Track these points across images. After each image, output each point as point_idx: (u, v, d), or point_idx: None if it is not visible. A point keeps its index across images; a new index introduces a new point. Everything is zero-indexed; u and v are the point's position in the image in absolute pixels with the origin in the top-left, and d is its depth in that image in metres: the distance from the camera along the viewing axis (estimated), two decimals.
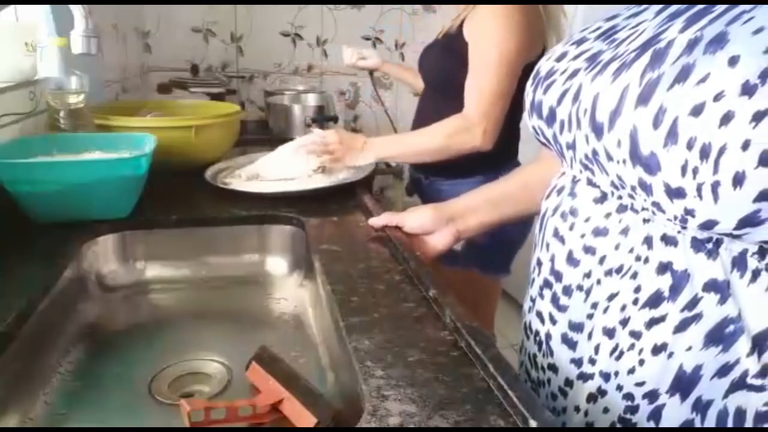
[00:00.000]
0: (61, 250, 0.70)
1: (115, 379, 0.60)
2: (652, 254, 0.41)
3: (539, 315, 0.51)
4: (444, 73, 1.10)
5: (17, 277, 0.62)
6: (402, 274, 0.65)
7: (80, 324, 0.69)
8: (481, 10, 0.99)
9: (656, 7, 0.45)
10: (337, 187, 0.95)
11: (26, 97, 0.87)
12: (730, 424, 0.40)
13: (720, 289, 0.39)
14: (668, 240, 0.41)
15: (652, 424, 0.43)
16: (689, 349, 0.40)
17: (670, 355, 0.41)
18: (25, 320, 0.56)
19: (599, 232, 0.45)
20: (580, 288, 0.46)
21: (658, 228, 0.41)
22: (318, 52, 2.13)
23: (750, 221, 0.35)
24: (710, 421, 0.41)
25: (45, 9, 0.96)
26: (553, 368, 0.50)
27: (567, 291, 0.47)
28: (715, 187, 0.34)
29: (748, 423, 0.40)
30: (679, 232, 0.40)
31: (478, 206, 0.73)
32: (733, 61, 0.34)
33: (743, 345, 0.38)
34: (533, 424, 0.38)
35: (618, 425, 0.45)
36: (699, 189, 0.35)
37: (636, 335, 0.42)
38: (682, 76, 0.36)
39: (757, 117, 0.32)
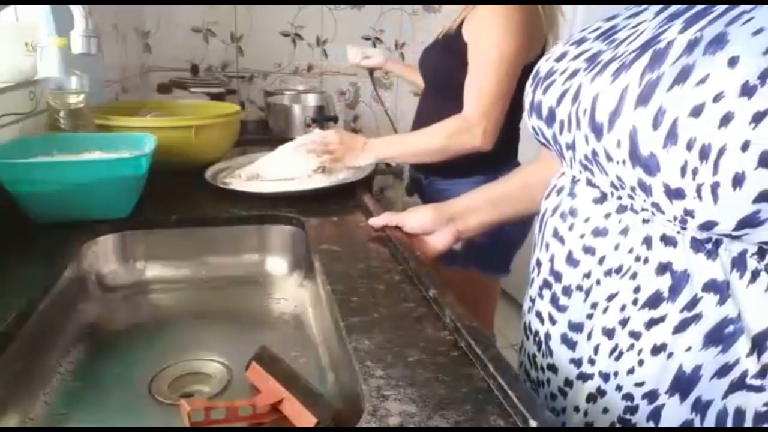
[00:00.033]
0: (61, 250, 0.70)
1: (115, 379, 0.60)
2: (652, 254, 0.41)
3: (539, 315, 0.51)
4: (444, 73, 1.10)
5: (17, 277, 0.62)
6: (402, 274, 0.65)
7: (80, 324, 0.69)
8: (481, 11, 0.99)
9: (656, 8, 0.45)
10: (337, 187, 0.95)
11: (26, 97, 0.87)
12: (729, 424, 0.40)
13: (719, 289, 0.39)
14: (668, 240, 0.41)
15: (651, 425, 0.43)
16: (689, 349, 0.40)
17: (670, 355, 0.41)
18: (25, 320, 0.56)
19: (599, 233, 0.45)
20: (579, 288, 0.46)
21: (658, 228, 0.41)
22: (318, 52, 2.13)
23: (749, 222, 0.35)
24: (710, 422, 0.41)
25: (45, 9, 0.96)
26: (552, 368, 0.50)
27: (566, 291, 0.47)
28: (714, 187, 0.34)
29: (748, 423, 0.40)
30: (678, 232, 0.40)
31: (478, 206, 0.73)
32: (732, 61, 0.34)
33: (743, 345, 0.38)
34: (533, 424, 0.38)
35: (617, 425, 0.45)
36: (698, 190, 0.35)
37: (635, 335, 0.42)
38: (682, 76, 0.36)
39: (757, 118, 0.32)
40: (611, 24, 0.48)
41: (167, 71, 1.94)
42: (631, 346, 0.42)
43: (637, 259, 0.42)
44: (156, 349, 0.66)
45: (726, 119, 0.33)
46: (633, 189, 0.41)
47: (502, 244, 1.12)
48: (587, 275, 0.45)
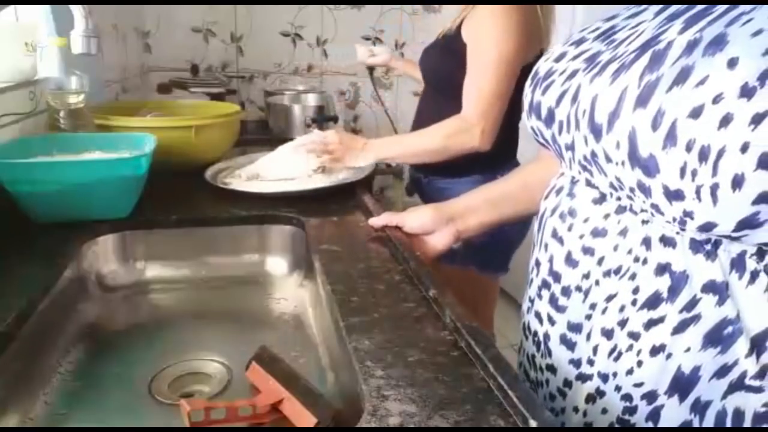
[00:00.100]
0: (61, 250, 0.70)
1: (115, 379, 0.60)
2: (651, 255, 0.41)
3: (538, 315, 0.51)
4: (443, 73, 1.11)
5: (17, 277, 0.62)
6: (402, 274, 0.65)
7: (80, 324, 0.69)
8: (480, 11, 1.00)
9: (655, 8, 0.45)
10: (337, 187, 0.95)
11: (26, 97, 0.87)
12: (728, 424, 0.40)
13: (719, 290, 0.39)
14: (667, 241, 0.41)
15: (650, 425, 0.43)
16: (688, 350, 0.40)
17: (669, 356, 0.41)
18: (25, 320, 0.56)
19: (598, 233, 0.45)
20: (578, 289, 0.46)
21: (657, 229, 0.41)
22: (318, 52, 2.13)
23: (749, 223, 0.35)
24: (709, 422, 0.41)
25: (45, 9, 0.96)
26: (551, 369, 0.50)
27: (565, 292, 0.47)
28: (714, 189, 0.34)
29: (747, 424, 0.40)
30: (677, 233, 0.40)
31: (478, 206, 0.73)
32: (732, 63, 0.34)
33: (742, 346, 0.38)
34: (533, 424, 0.39)
35: (616, 426, 0.45)
36: (698, 191, 0.35)
37: (634, 336, 0.42)
38: (681, 77, 0.36)
39: (756, 119, 0.32)
40: (611, 24, 0.48)
41: (167, 71, 1.94)
42: (630, 347, 0.42)
43: (636, 259, 0.42)
44: (156, 349, 0.66)
45: (725, 120, 0.33)
46: (632, 190, 0.41)
47: (500, 243, 1.12)
48: (586, 276, 0.45)
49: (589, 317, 0.45)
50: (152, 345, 0.68)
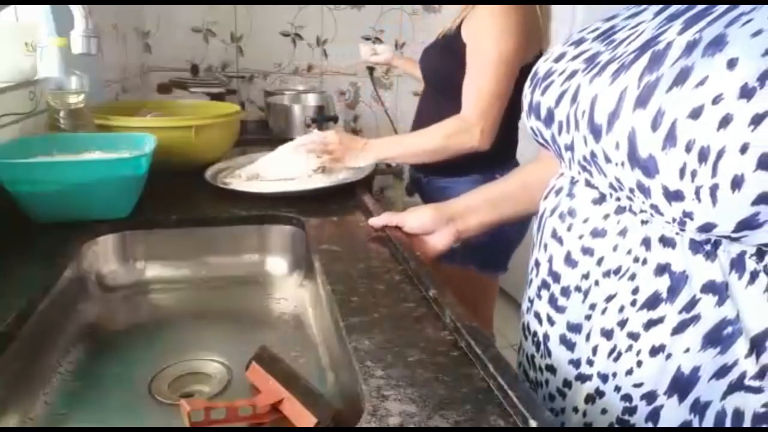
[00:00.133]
0: (61, 250, 0.70)
1: (115, 379, 0.60)
2: (651, 255, 0.41)
3: (537, 316, 0.51)
4: (443, 73, 1.11)
5: (17, 277, 0.62)
6: (402, 274, 0.65)
7: (80, 324, 0.69)
8: (480, 11, 1.00)
9: (655, 8, 0.45)
10: (337, 187, 0.95)
11: (26, 97, 0.88)
12: (728, 425, 0.40)
13: (718, 290, 0.39)
14: (666, 241, 0.41)
15: (650, 425, 0.43)
16: (687, 350, 0.40)
17: (668, 356, 0.41)
18: (25, 320, 0.56)
19: (597, 233, 0.45)
20: (578, 289, 0.46)
21: (657, 229, 0.41)
22: (318, 52, 2.13)
23: (748, 224, 0.35)
24: (708, 423, 0.41)
25: (45, 9, 0.97)
26: (551, 369, 0.50)
27: (565, 292, 0.47)
28: (713, 190, 0.34)
29: (746, 424, 0.40)
30: (677, 233, 0.40)
31: (478, 206, 0.73)
32: (731, 63, 0.34)
33: (741, 346, 0.38)
34: (533, 424, 0.39)
35: (616, 426, 0.45)
36: (697, 192, 0.35)
37: (634, 336, 0.42)
38: (681, 78, 0.36)
39: (756, 120, 0.32)
40: (610, 24, 0.48)
41: (167, 71, 1.94)
42: (630, 347, 0.42)
43: (636, 260, 0.42)
44: (156, 349, 0.66)
45: (725, 121, 0.33)
46: (632, 190, 0.41)
47: (500, 243, 1.12)
48: (586, 276, 0.45)
49: (588, 317, 0.45)
50: (152, 345, 0.68)
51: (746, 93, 0.33)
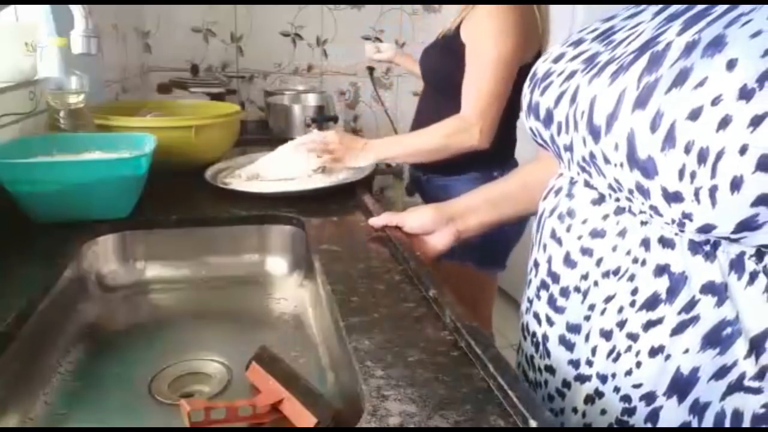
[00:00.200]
0: (61, 250, 0.70)
1: (115, 379, 0.60)
2: (650, 256, 0.41)
3: (536, 316, 0.51)
4: (442, 73, 1.12)
5: (17, 277, 0.62)
6: (402, 274, 0.65)
7: (80, 324, 0.69)
8: (479, 11, 1.01)
9: (654, 8, 0.45)
10: (337, 187, 0.95)
11: (26, 97, 0.88)
12: (727, 426, 0.40)
13: (717, 291, 0.39)
14: (666, 242, 0.41)
15: (649, 426, 0.43)
16: (686, 351, 0.40)
17: (668, 357, 0.41)
18: (25, 320, 0.56)
19: (597, 234, 0.45)
20: (577, 290, 0.46)
21: (656, 230, 0.41)
22: (318, 52, 2.13)
23: (748, 225, 0.35)
24: (708, 423, 0.41)
25: (45, 9, 0.97)
26: (550, 370, 0.50)
27: (564, 292, 0.47)
28: (712, 191, 0.34)
29: (746, 425, 0.40)
30: (676, 234, 0.40)
31: (478, 206, 0.74)
32: (731, 64, 0.34)
33: (741, 347, 0.38)
34: (533, 424, 0.39)
35: (615, 427, 0.45)
36: (697, 193, 0.35)
37: (633, 337, 0.42)
38: (680, 79, 0.36)
39: (755, 121, 0.32)
40: (609, 25, 0.48)
41: (167, 71, 1.94)
42: (629, 348, 0.43)
43: (635, 260, 0.42)
44: (156, 349, 0.66)
45: (724, 122, 0.33)
46: (631, 191, 0.41)
47: (498, 240, 1.13)
48: (585, 277, 0.46)
49: (587, 318, 0.46)
50: (152, 345, 0.68)
51: (745, 94, 0.33)
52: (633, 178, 0.39)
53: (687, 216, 0.37)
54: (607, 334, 0.44)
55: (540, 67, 0.51)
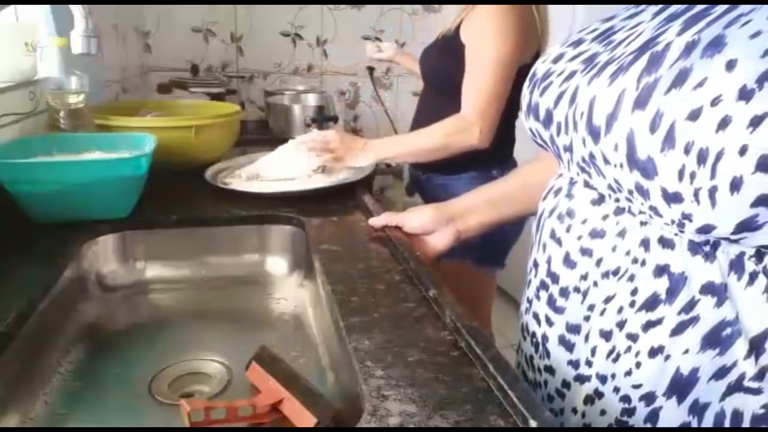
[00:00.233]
0: (61, 250, 0.70)
1: (115, 379, 0.60)
2: (649, 257, 0.41)
3: (536, 316, 0.51)
4: (442, 73, 1.13)
5: (17, 277, 0.62)
6: (402, 274, 0.65)
7: (80, 324, 0.69)
8: (478, 12, 1.02)
9: (654, 9, 0.45)
10: (337, 187, 0.95)
11: (26, 97, 0.88)
12: (727, 426, 0.40)
13: (717, 291, 0.39)
14: (665, 242, 0.41)
15: (649, 427, 0.43)
16: (686, 351, 0.40)
17: (667, 357, 0.41)
18: (25, 320, 0.56)
19: (596, 234, 0.45)
20: (576, 290, 0.46)
21: (656, 230, 0.41)
22: (318, 52, 2.13)
23: (747, 226, 0.35)
24: (707, 424, 0.41)
25: (45, 9, 0.97)
26: (550, 370, 0.50)
27: (564, 293, 0.48)
28: (712, 192, 0.34)
29: (745, 425, 0.40)
30: (676, 235, 0.40)
31: (478, 206, 0.74)
32: (730, 65, 0.34)
33: (740, 348, 0.38)
34: (533, 424, 0.39)
35: (615, 427, 0.45)
36: (696, 194, 0.35)
37: (633, 338, 0.42)
38: (680, 80, 0.36)
39: (755, 122, 0.32)
40: (609, 25, 0.48)
41: (167, 71, 1.94)
42: (629, 348, 0.43)
43: (635, 261, 0.42)
44: (156, 349, 0.66)
45: (724, 123, 0.33)
46: (630, 192, 0.41)
47: (497, 238, 1.13)
48: (584, 277, 0.46)
49: (587, 318, 0.46)
50: (152, 345, 0.68)
51: (745, 94, 0.33)
52: (632, 179, 0.39)
53: (687, 216, 0.37)
54: (606, 335, 0.44)
55: (539, 67, 0.51)
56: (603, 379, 0.45)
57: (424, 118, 1.14)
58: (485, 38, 1.00)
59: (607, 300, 0.44)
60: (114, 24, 1.49)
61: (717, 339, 0.39)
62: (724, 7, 0.37)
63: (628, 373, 0.43)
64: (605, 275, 0.44)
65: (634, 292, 0.42)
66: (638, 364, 0.42)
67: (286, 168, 0.99)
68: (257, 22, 2.03)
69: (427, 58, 1.18)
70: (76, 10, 0.73)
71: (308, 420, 0.47)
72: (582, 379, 0.47)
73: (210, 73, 2.03)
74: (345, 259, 0.70)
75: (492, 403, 0.43)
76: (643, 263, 0.42)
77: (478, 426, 0.40)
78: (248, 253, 0.86)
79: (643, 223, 0.42)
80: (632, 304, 0.42)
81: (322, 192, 0.93)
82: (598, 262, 0.44)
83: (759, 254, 0.38)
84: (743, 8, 0.36)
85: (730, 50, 0.34)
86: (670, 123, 0.35)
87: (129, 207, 0.80)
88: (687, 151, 0.35)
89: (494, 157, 1.09)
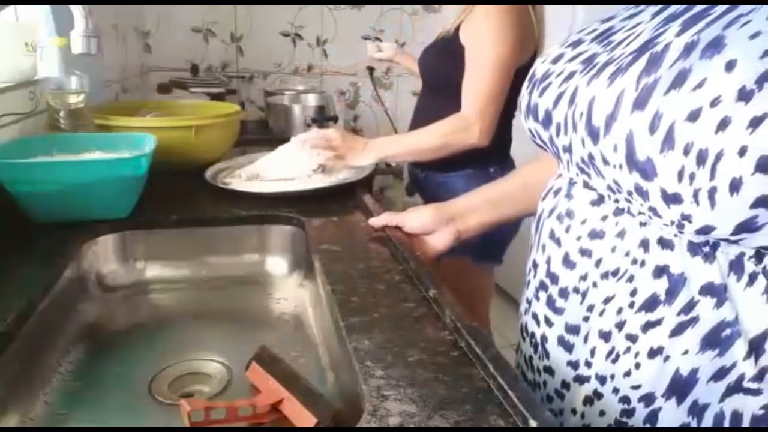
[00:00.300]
0: (61, 250, 0.70)
1: (115, 379, 0.60)
2: (649, 257, 0.41)
3: (535, 317, 0.51)
4: (441, 73, 1.14)
5: (17, 277, 0.62)
6: (402, 274, 0.65)
7: (80, 324, 0.69)
8: (477, 14, 1.03)
9: (653, 9, 0.45)
10: (337, 187, 0.95)
11: (26, 97, 0.88)
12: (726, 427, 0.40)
13: (716, 292, 0.39)
14: (665, 243, 0.41)
15: (648, 427, 0.43)
16: (685, 352, 0.40)
17: (666, 358, 0.41)
18: (25, 320, 0.56)
19: (595, 235, 0.45)
20: (576, 290, 0.46)
21: (655, 231, 0.41)
22: (318, 52, 2.13)
23: (747, 227, 0.35)
24: (707, 425, 0.41)
25: (45, 9, 0.97)
26: (549, 371, 0.50)
27: (563, 293, 0.48)
28: (712, 193, 0.34)
29: (745, 426, 0.40)
30: (675, 235, 0.40)
31: (478, 206, 0.74)
32: (729, 65, 0.34)
33: (740, 349, 0.38)
34: (533, 424, 0.39)
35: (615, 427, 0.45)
36: (696, 195, 0.35)
37: (632, 338, 0.42)
38: (679, 81, 0.36)
39: (754, 123, 0.32)
40: (608, 25, 0.48)
41: (167, 71, 1.94)
42: (628, 349, 0.43)
43: (634, 261, 0.42)
44: (156, 349, 0.66)
45: (723, 124, 0.33)
46: (630, 193, 0.41)
47: (494, 235, 1.14)
48: (584, 277, 0.46)
49: (586, 319, 0.46)
50: (152, 345, 0.68)
51: (744, 95, 0.33)
52: (632, 180, 0.39)
53: (686, 217, 0.37)
54: (606, 335, 0.44)
55: (539, 67, 0.51)
56: (602, 379, 0.45)
57: (422, 117, 1.15)
58: (484, 39, 1.01)
59: (607, 301, 0.44)
60: (114, 24, 1.49)
61: (716, 340, 0.39)
62: (724, 7, 0.37)
63: (628, 373, 0.43)
64: (604, 276, 0.44)
65: (633, 292, 0.42)
66: (637, 365, 0.42)
67: (286, 168, 0.99)
68: (257, 22, 2.03)
69: (426, 58, 1.19)
70: (76, 10, 0.73)
71: (308, 420, 0.47)
72: (581, 379, 0.47)
73: (210, 73, 2.03)
74: (345, 259, 0.70)
75: (492, 403, 0.43)
76: (643, 264, 0.42)
77: (478, 426, 0.40)
78: (248, 253, 0.86)
79: (642, 224, 0.42)
80: (632, 304, 0.42)
81: (322, 192, 0.93)
82: (598, 263, 0.44)
83: (758, 255, 0.38)
84: (743, 9, 0.36)
85: (730, 51, 0.34)
86: (670, 124, 0.35)
87: (129, 207, 0.80)
88: (686, 151, 0.35)
89: (492, 155, 1.10)
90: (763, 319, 0.38)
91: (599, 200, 0.46)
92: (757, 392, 0.39)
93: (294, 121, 1.64)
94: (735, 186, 0.33)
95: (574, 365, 0.47)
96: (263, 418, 0.51)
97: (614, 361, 0.44)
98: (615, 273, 0.43)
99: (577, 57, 0.47)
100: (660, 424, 0.42)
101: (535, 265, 0.52)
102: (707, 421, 0.41)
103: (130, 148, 0.85)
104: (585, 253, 0.46)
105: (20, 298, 0.57)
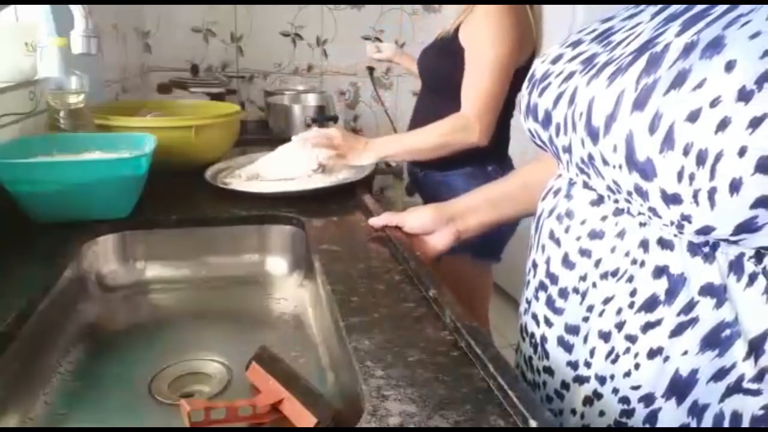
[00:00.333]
0: (61, 250, 0.70)
1: (115, 379, 0.60)
2: (648, 258, 0.41)
3: (535, 317, 0.51)
4: (440, 74, 1.15)
5: (17, 277, 0.62)
6: (402, 274, 0.65)
7: (80, 324, 0.69)
8: (476, 14, 1.04)
9: (653, 9, 0.45)
10: (337, 187, 0.95)
11: (26, 97, 0.88)
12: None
13: (716, 293, 0.39)
14: (664, 243, 0.41)
15: (648, 427, 0.43)
16: (685, 353, 0.40)
17: (666, 359, 0.41)
18: (25, 320, 0.56)
19: (595, 235, 0.45)
20: (575, 291, 0.46)
21: (655, 231, 0.41)
22: (318, 52, 2.13)
23: (747, 227, 0.35)
24: (706, 425, 0.41)
25: (45, 9, 0.97)
26: (549, 371, 0.50)
27: (562, 294, 0.48)
28: (711, 193, 0.34)
29: (745, 427, 0.40)
30: (675, 236, 0.40)
31: (478, 206, 0.74)
32: (729, 66, 0.34)
33: (739, 349, 0.38)
34: (533, 424, 0.39)
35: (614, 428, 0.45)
36: (695, 195, 0.35)
37: (632, 339, 0.42)
38: (678, 81, 0.36)
39: (754, 123, 0.32)
40: (608, 26, 0.48)
41: (167, 71, 1.94)
42: (628, 350, 0.43)
43: (634, 262, 0.42)
44: (156, 349, 0.66)
45: (723, 124, 0.33)
46: (630, 193, 0.41)
47: (492, 233, 1.14)
48: (583, 278, 0.46)
49: (586, 319, 0.46)
50: (152, 345, 0.68)
51: (744, 96, 0.33)
52: (632, 180, 0.39)
53: (686, 218, 0.37)
54: (605, 336, 0.44)
55: (538, 68, 0.51)
56: (602, 380, 0.45)
57: (421, 117, 1.16)
58: (484, 39, 1.02)
59: (606, 301, 0.44)
60: (114, 24, 1.49)
61: (716, 340, 0.39)
62: (724, 7, 0.37)
63: (627, 374, 0.43)
64: (604, 276, 0.44)
65: (633, 293, 0.42)
66: (637, 366, 0.42)
67: (286, 168, 0.99)
68: (257, 22, 2.03)
69: (425, 58, 1.20)
70: (76, 10, 0.73)
71: (308, 420, 0.47)
72: (581, 380, 0.47)
73: (210, 73, 2.03)
74: (345, 259, 0.70)
75: (492, 403, 0.43)
76: (642, 264, 0.42)
77: (478, 426, 0.40)
78: (248, 253, 0.86)
79: (642, 224, 0.42)
80: (631, 305, 0.42)
81: (322, 192, 0.93)
82: (597, 263, 0.44)
83: (758, 255, 0.38)
84: (743, 9, 0.36)
85: (730, 51, 0.34)
86: (669, 124, 0.35)
87: (129, 207, 0.80)
88: (686, 152, 0.35)
89: (491, 154, 1.11)
90: (763, 320, 0.38)
91: (599, 200, 0.46)
92: (756, 393, 0.39)
93: (294, 121, 1.64)
94: (735, 186, 0.33)
95: (573, 365, 0.47)
96: (263, 418, 0.51)
97: (614, 361, 0.44)
98: (615, 273, 0.43)
99: (576, 57, 0.47)
100: (660, 425, 0.42)
101: (534, 266, 0.52)
102: (707, 422, 0.41)
103: (130, 148, 0.85)
104: (585, 253, 0.46)
105: (20, 298, 0.57)
